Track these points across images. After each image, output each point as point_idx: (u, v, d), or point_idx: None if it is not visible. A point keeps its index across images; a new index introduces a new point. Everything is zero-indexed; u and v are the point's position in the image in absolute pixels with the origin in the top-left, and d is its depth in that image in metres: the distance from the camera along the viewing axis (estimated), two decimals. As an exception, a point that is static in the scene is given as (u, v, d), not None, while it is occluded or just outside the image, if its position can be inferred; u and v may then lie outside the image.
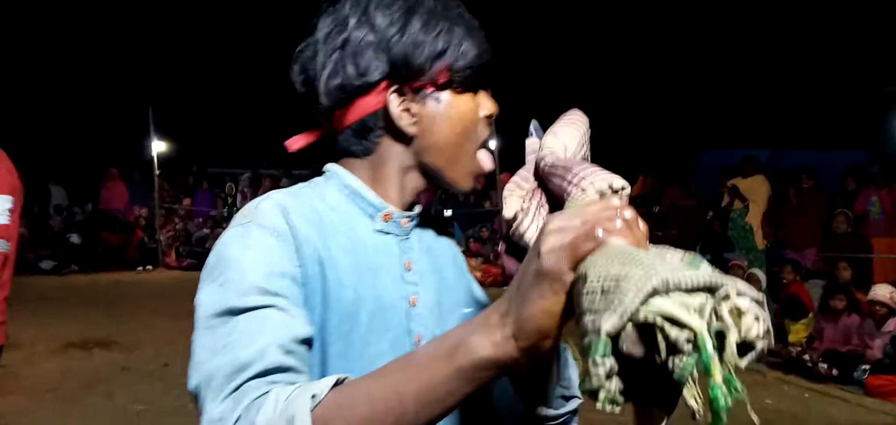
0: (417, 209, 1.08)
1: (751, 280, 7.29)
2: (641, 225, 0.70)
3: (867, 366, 5.86)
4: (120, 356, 6.60)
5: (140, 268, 12.67)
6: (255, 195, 11.53)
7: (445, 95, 1.02)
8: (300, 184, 1.08)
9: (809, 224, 8.23)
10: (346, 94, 1.01)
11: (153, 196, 13.77)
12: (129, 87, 16.83)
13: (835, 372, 6.01)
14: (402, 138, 1.02)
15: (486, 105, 1.06)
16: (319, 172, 1.10)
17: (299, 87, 1.05)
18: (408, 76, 0.99)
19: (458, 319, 1.07)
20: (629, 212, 0.68)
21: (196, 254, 12.53)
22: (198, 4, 18.00)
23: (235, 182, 14.44)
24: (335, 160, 1.09)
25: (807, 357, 6.29)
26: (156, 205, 13.63)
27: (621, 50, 17.82)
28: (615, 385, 0.58)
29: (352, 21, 1.00)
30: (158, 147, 13.81)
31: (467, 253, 11.28)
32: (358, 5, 1.01)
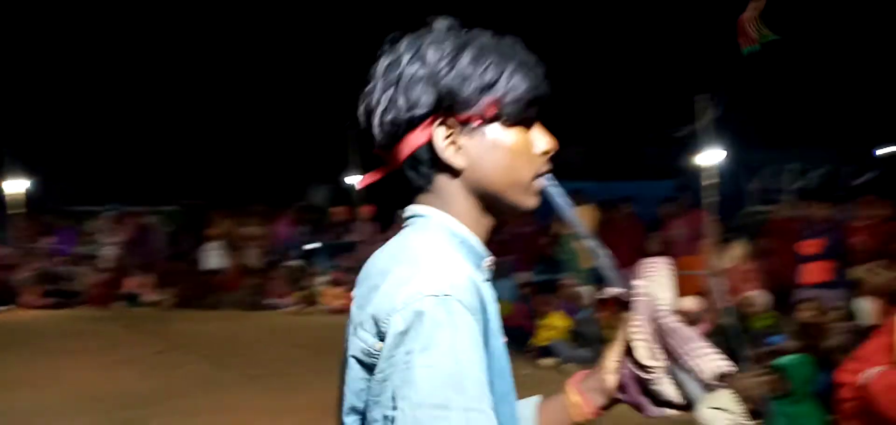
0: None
1: (576, 297, 8.04)
2: None
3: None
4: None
5: None
6: (118, 231, 10.98)
7: (494, 129, 1.01)
8: (406, 240, 1.03)
9: (629, 246, 9.11)
10: (397, 129, 1.01)
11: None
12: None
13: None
14: (451, 171, 1.02)
15: (541, 141, 1.06)
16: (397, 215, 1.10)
17: (363, 124, 1.06)
18: (455, 109, 0.99)
19: None
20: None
21: (58, 293, 11.92)
22: (58, 39, 17.08)
23: (98, 219, 13.80)
24: (407, 201, 1.08)
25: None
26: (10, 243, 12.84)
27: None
28: None
29: (405, 58, 1.00)
30: (17, 185, 13.03)
31: (332, 283, 11.46)
32: (413, 43, 1.02)
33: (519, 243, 10.54)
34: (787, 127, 12.51)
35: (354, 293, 1.09)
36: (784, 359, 5.30)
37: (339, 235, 13.06)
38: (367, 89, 1.05)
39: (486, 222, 1.07)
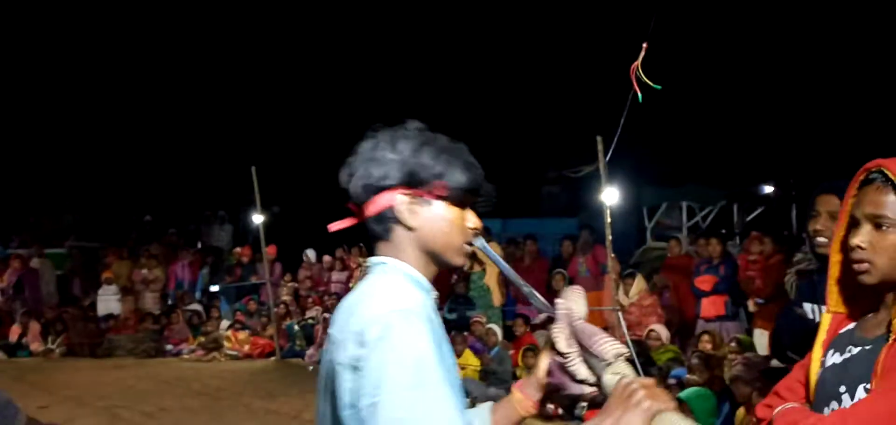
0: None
1: (488, 334, 8.02)
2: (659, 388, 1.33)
3: (585, 404, 6.64)
4: None
5: None
6: (2, 273, 10.23)
7: (439, 205, 1.39)
8: (372, 280, 1.38)
9: (534, 282, 9.23)
10: (370, 191, 1.37)
11: None
12: None
13: (560, 410, 6.56)
14: (406, 228, 1.38)
15: (471, 220, 1.44)
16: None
17: (344, 183, 1.41)
18: (414, 185, 1.36)
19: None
20: (648, 383, 1.32)
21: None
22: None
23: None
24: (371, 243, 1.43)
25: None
26: None
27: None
28: None
29: (382, 143, 1.38)
30: None
31: (235, 326, 11.03)
32: (391, 134, 1.39)
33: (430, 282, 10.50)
34: (681, 167, 13.10)
35: (333, 321, 1.39)
36: (686, 392, 5.43)
37: (243, 277, 12.63)
38: (351, 159, 1.41)
39: (431, 269, 1.42)
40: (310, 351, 10.26)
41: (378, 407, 1.17)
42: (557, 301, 1.54)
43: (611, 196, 7.32)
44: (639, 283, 8.42)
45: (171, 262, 13.02)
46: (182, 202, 16.29)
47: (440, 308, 7.99)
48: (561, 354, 1.49)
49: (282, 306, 11.16)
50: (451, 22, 18.62)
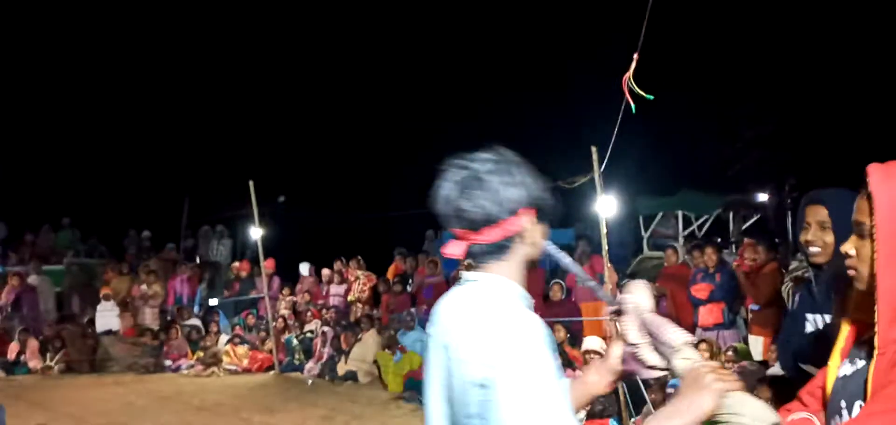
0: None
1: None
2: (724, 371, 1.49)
3: (584, 412, 6.63)
4: None
5: None
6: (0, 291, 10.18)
7: (537, 222, 1.54)
8: (489, 298, 1.48)
9: (531, 293, 9.22)
10: (494, 218, 1.48)
11: None
12: None
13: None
14: (526, 247, 1.52)
15: (545, 230, 1.58)
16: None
17: (450, 211, 1.51)
18: (534, 207, 1.52)
19: None
20: (716, 367, 1.48)
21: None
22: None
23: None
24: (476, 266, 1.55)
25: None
26: None
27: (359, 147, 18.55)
28: None
29: (499, 173, 1.49)
30: None
31: (234, 341, 11.00)
32: (501, 164, 1.51)
33: (430, 294, 10.48)
34: (676, 175, 13.14)
35: (443, 328, 1.52)
36: None
37: (241, 291, 12.61)
38: (444, 191, 1.51)
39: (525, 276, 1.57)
40: (309, 365, 10.23)
41: (504, 415, 1.33)
42: (624, 296, 1.70)
43: (607, 206, 7.33)
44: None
45: (170, 278, 13.00)
46: (180, 217, 16.28)
47: None
48: (632, 344, 1.65)
49: (280, 320, 11.15)
50: (446, 31, 18.70)
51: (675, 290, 8.58)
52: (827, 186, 2.44)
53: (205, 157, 18.18)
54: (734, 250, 10.69)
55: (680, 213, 12.55)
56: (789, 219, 12.08)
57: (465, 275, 1.56)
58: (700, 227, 12.58)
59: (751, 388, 5.03)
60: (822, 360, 1.69)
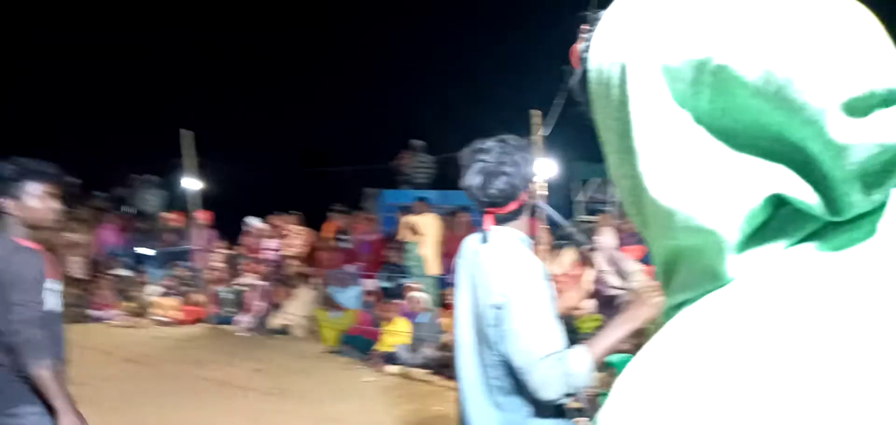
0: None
1: (415, 302, 7.97)
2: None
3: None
4: None
5: None
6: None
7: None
8: (484, 238, 2.01)
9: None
10: (517, 191, 1.97)
11: None
12: None
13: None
14: (528, 207, 2.05)
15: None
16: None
17: (479, 191, 1.97)
18: (534, 179, 2.05)
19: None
20: (657, 286, 1.85)
21: None
22: None
23: None
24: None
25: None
26: None
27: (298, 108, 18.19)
28: None
29: (512, 156, 1.97)
30: None
31: (164, 293, 10.67)
32: (512, 147, 1.99)
33: (365, 250, 10.37)
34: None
35: (470, 262, 2.05)
36: (614, 358, 5.50)
37: (173, 242, 12.22)
38: (472, 180, 1.98)
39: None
40: (240, 318, 10.03)
41: (510, 327, 1.87)
42: (597, 237, 2.48)
43: (546, 169, 7.35)
44: (569, 255, 8.50)
45: (98, 226, 12.48)
46: (111, 166, 15.61)
47: (371, 277, 8.10)
48: (601, 271, 2.42)
49: (213, 272, 10.86)
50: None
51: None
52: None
53: (138, 105, 17.47)
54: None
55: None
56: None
57: (490, 229, 2.01)
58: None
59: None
60: None
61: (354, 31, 19.23)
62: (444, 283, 9.17)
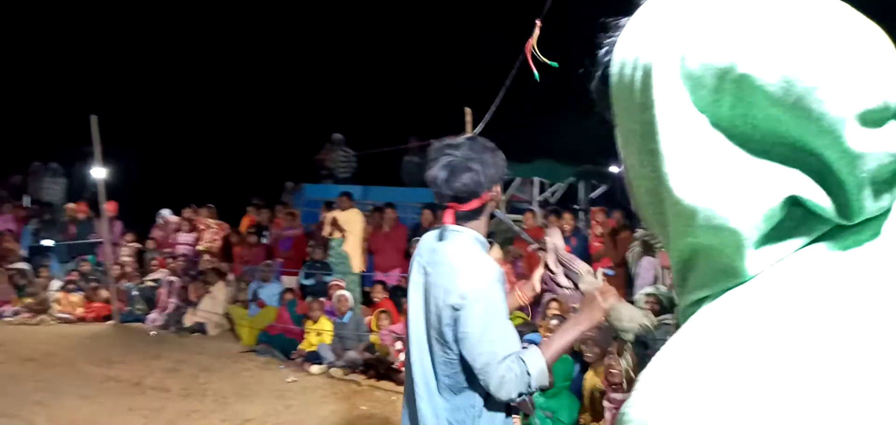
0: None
1: (341, 301, 7.77)
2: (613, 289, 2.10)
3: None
4: None
5: None
6: None
7: (499, 190, 2.11)
8: (441, 235, 2.10)
9: (393, 247, 9.09)
10: (481, 189, 2.01)
11: None
12: None
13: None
14: (489, 209, 2.09)
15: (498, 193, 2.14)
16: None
17: (441, 186, 2.00)
18: (500, 183, 2.08)
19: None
20: (609, 287, 2.07)
21: None
22: None
23: None
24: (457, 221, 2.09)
25: (395, 364, 6.87)
26: None
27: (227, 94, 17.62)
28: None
29: (477, 154, 2.00)
30: None
31: (67, 287, 10.03)
32: (477, 146, 2.03)
33: (287, 246, 10.06)
34: (533, 143, 13.42)
35: (427, 260, 2.08)
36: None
37: (78, 235, 11.51)
38: (437, 173, 2.00)
39: None
40: (152, 316, 9.55)
41: (469, 329, 1.90)
42: (545, 237, 2.26)
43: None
44: (494, 252, 8.46)
45: (-7, 216, 11.62)
46: (9, 152, 14.58)
47: (293, 274, 7.96)
48: (550, 271, 2.21)
49: (119, 267, 10.28)
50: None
51: (530, 252, 8.77)
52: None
53: (40, 87, 16.41)
54: (583, 217, 11.10)
55: (537, 180, 12.85)
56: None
57: (448, 227, 2.05)
58: (553, 194, 12.98)
59: (606, 344, 5.22)
60: None
61: (279, 17, 18.73)
62: (369, 281, 9.01)
